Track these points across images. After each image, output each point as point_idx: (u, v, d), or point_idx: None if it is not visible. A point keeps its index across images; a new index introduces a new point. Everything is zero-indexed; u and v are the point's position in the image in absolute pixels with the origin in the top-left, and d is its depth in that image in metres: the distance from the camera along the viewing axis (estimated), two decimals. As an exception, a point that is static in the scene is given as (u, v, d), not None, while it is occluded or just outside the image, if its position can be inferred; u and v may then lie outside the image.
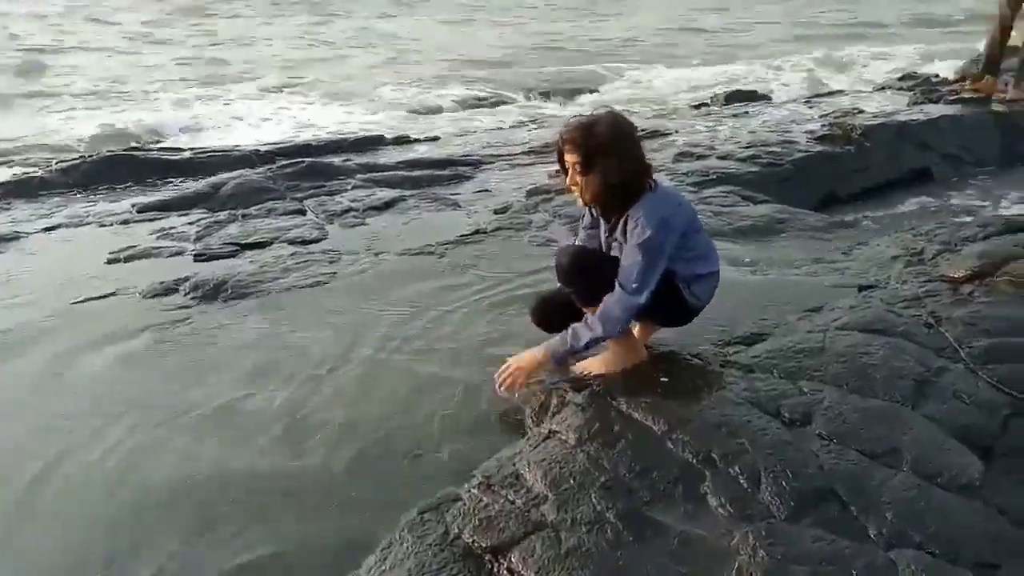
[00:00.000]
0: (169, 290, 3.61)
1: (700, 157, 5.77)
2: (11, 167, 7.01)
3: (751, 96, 9.28)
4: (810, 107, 7.92)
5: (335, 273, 3.75)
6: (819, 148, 5.90)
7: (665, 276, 2.39)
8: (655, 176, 2.45)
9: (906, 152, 6.12)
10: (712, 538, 1.75)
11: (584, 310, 2.46)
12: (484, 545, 1.76)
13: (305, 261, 3.91)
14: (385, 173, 5.70)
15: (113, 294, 3.62)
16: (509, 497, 1.92)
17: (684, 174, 5.31)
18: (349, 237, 4.33)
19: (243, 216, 4.74)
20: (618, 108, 2.41)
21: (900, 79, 10.13)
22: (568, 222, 4.34)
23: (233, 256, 4.07)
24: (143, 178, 5.79)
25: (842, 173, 5.75)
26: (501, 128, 8.51)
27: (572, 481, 1.94)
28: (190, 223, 4.65)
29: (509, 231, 4.29)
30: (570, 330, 2.43)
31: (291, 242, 4.25)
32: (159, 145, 7.91)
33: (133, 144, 7.96)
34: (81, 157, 6.25)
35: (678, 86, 12.52)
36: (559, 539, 1.74)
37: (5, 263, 4.13)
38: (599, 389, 2.38)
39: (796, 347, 2.57)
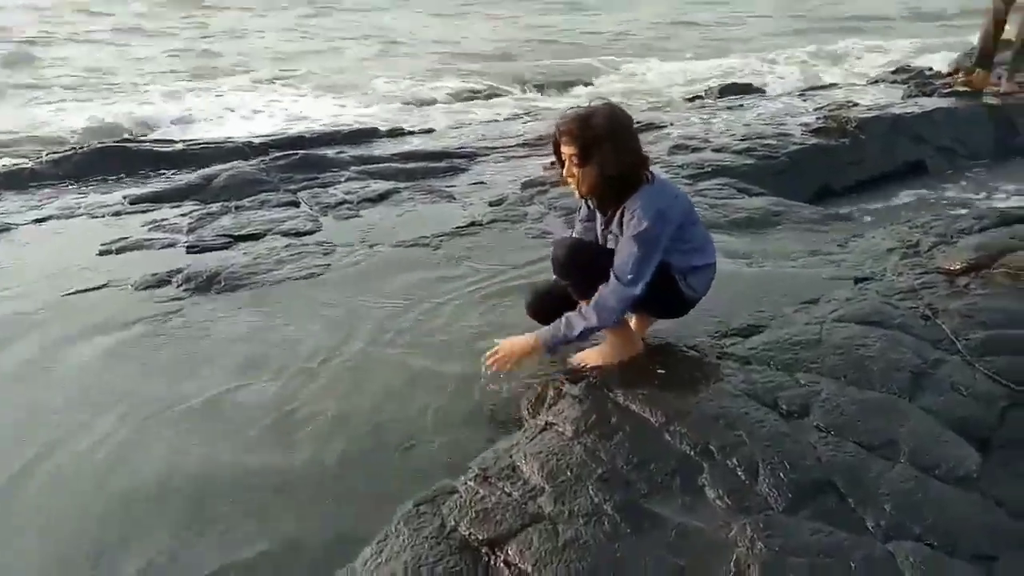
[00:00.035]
0: (162, 282, 3.58)
1: (695, 150, 5.76)
2: (0, 159, 6.94)
3: (745, 89, 9.27)
4: (804, 100, 7.91)
5: (329, 265, 3.72)
6: (814, 141, 5.90)
7: (661, 268, 2.37)
8: (652, 168, 2.44)
9: (900, 145, 6.12)
10: (710, 530, 1.74)
11: (580, 302, 2.44)
12: (481, 538, 1.75)
13: (299, 253, 3.89)
14: (379, 165, 5.67)
15: (105, 286, 3.59)
16: (506, 489, 1.90)
17: (679, 166, 5.29)
18: (343, 229, 4.30)
19: (236, 208, 4.70)
20: (613, 101, 2.39)
21: (894, 72, 10.14)
22: (563, 214, 4.32)
23: (226, 248, 4.04)
24: (135, 170, 5.74)
25: (837, 166, 5.75)
26: (496, 120, 8.47)
27: (569, 473, 1.93)
28: (182, 215, 4.61)
29: (505, 223, 4.27)
30: (564, 319, 2.41)
31: (285, 234, 4.22)
32: (151, 137, 7.85)
33: (125, 136, 7.89)
34: (72, 148, 6.19)
35: (672, 79, 12.48)
36: (556, 531, 1.73)
37: (-5, 255, 4.09)
38: (596, 381, 2.37)
39: (793, 339, 2.57)
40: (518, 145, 6.35)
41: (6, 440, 2.43)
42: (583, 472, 1.92)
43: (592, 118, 2.31)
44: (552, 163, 2.69)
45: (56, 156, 5.89)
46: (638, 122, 2.70)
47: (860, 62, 13.70)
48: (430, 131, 7.45)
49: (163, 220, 4.54)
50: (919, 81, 8.36)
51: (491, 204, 4.65)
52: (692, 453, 1.99)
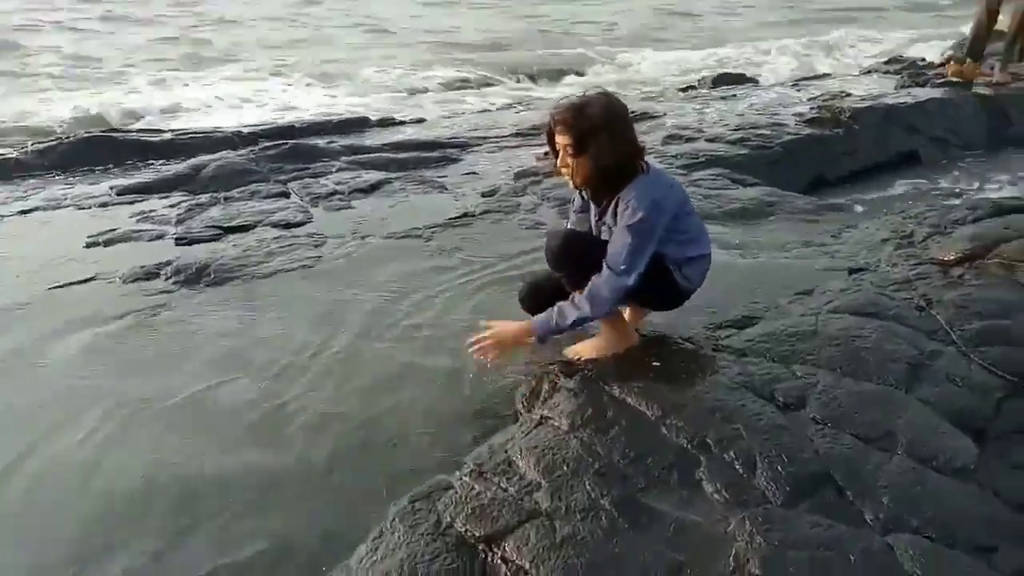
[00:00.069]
0: (150, 274, 3.53)
1: (689, 140, 5.73)
2: (-15, 148, 6.84)
3: (739, 79, 9.24)
4: (798, 90, 7.88)
5: (320, 257, 3.68)
6: (808, 131, 5.87)
7: (656, 259, 2.35)
8: (647, 158, 2.41)
9: (894, 135, 6.11)
10: (708, 524, 1.73)
11: (573, 292, 2.41)
12: (477, 534, 1.73)
13: (290, 245, 3.84)
14: (370, 155, 5.61)
15: (93, 279, 3.53)
16: (502, 485, 1.88)
17: (673, 156, 5.26)
18: (334, 220, 4.25)
19: (225, 199, 4.64)
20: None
21: (887, 62, 10.13)
22: (556, 205, 4.29)
23: (216, 240, 3.99)
24: (122, 160, 5.67)
25: (831, 156, 5.73)
26: (488, 110, 8.42)
27: (565, 468, 1.90)
28: (171, 206, 4.55)
29: (497, 214, 4.23)
30: (556, 308, 2.38)
31: (275, 225, 4.17)
32: (138, 126, 7.75)
33: (112, 125, 7.79)
34: (58, 138, 6.10)
35: (666, 69, 12.46)
36: (553, 527, 1.71)
37: (-20, 247, 4.03)
38: (591, 374, 2.34)
39: (789, 330, 2.55)
40: (510, 135, 6.30)
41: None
42: (579, 467, 1.90)
43: (587, 107, 2.27)
44: (545, 153, 2.66)
45: (42, 146, 5.80)
46: (632, 112, 2.68)
47: (853, 52, 13.70)
48: (422, 121, 7.39)
49: (151, 211, 4.47)
50: (912, 71, 8.35)
51: (484, 195, 4.61)
52: (689, 446, 1.97)
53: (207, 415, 2.43)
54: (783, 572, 1.57)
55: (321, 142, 5.93)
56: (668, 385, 2.26)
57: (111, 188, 4.95)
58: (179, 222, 4.26)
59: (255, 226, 4.17)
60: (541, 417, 2.16)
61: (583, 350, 2.53)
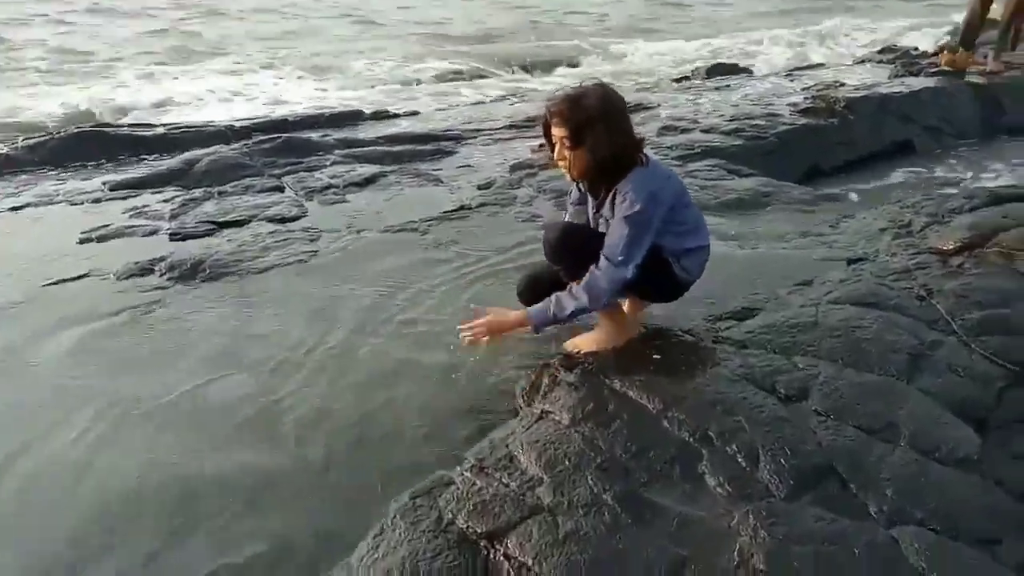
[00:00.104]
0: (144, 270, 3.49)
1: (684, 131, 5.71)
2: (-27, 145, 6.75)
3: (732, 69, 9.20)
4: (792, 80, 7.86)
5: (316, 252, 3.65)
6: (803, 121, 5.86)
7: (655, 250, 2.33)
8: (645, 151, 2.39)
9: (888, 124, 6.10)
10: (711, 519, 1.72)
11: (570, 283, 2.39)
12: (479, 531, 1.71)
13: (285, 239, 3.81)
14: (365, 148, 5.56)
15: (86, 275, 3.50)
16: (503, 480, 1.87)
17: (669, 147, 5.24)
18: (329, 214, 4.22)
19: (219, 193, 4.60)
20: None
21: (880, 52, 10.10)
22: (553, 197, 4.27)
23: (210, 235, 3.95)
24: (114, 155, 5.60)
25: (825, 146, 5.72)
26: (482, 102, 8.37)
27: (567, 463, 1.89)
28: (164, 201, 4.51)
29: (494, 207, 4.20)
30: (554, 298, 2.36)
31: (270, 220, 4.13)
32: (130, 121, 7.68)
33: (103, 120, 7.72)
34: (49, 134, 6.03)
35: (659, 60, 12.41)
36: (556, 523, 1.70)
37: (-30, 244, 3.98)
38: (592, 367, 2.33)
39: (789, 322, 2.55)
40: (505, 127, 6.26)
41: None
42: (581, 461, 1.89)
43: (583, 98, 2.25)
44: (541, 145, 2.63)
45: (32, 141, 5.72)
46: (627, 103, 2.66)
47: (846, 41, 13.68)
48: (416, 113, 7.34)
49: (144, 206, 4.43)
50: (905, 61, 8.33)
51: (479, 187, 4.58)
52: (691, 440, 1.96)
53: (203, 413, 2.40)
54: (787, 567, 1.56)
55: (315, 135, 5.88)
56: (669, 378, 2.24)
57: (103, 183, 4.89)
58: (173, 217, 4.22)
59: (250, 221, 4.13)
60: (542, 411, 2.15)
61: (582, 343, 2.51)
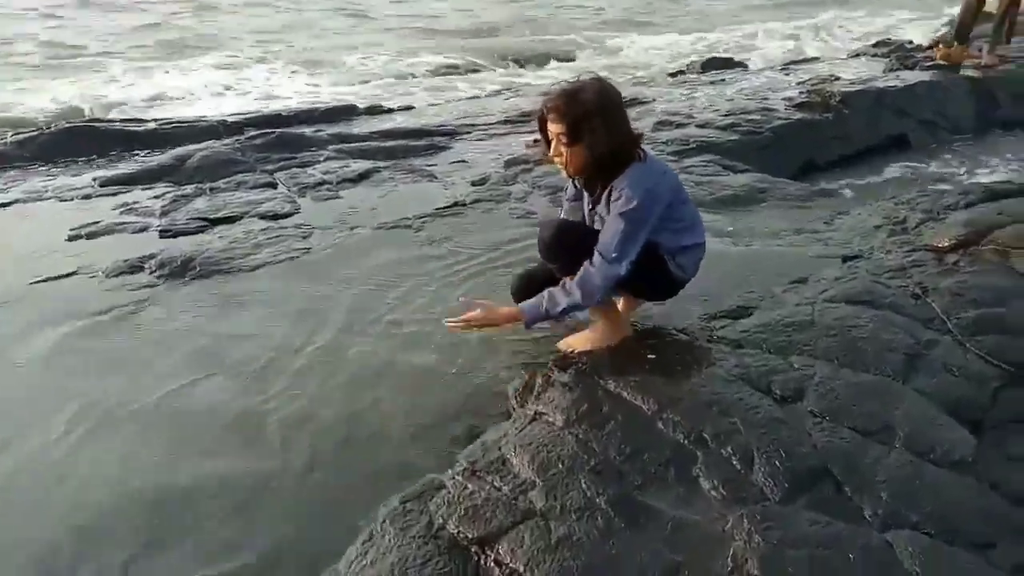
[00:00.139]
0: (134, 268, 3.46)
1: (679, 125, 5.68)
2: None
3: (727, 64, 9.18)
4: (787, 74, 7.84)
5: (308, 249, 3.62)
6: (798, 115, 5.84)
7: (650, 248, 2.31)
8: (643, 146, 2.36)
9: (884, 119, 6.09)
10: (706, 523, 1.70)
11: (564, 279, 2.36)
12: (470, 536, 1.69)
13: (277, 237, 3.77)
14: (359, 144, 5.53)
15: (75, 273, 3.46)
16: (495, 484, 1.84)
17: (664, 143, 5.22)
18: (322, 211, 4.18)
19: (211, 190, 4.56)
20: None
21: (874, 45, 10.09)
22: (548, 193, 4.24)
23: (201, 232, 3.91)
24: (105, 150, 5.55)
25: (821, 140, 5.70)
26: (477, 97, 8.33)
27: (560, 465, 1.87)
28: (155, 197, 4.46)
29: (488, 203, 4.17)
30: (547, 294, 2.33)
31: (262, 216, 4.09)
32: (120, 116, 7.61)
33: (94, 115, 7.65)
34: (38, 129, 5.97)
35: (654, 54, 12.37)
36: (549, 528, 1.67)
37: (-42, 241, 3.94)
38: (585, 368, 2.31)
39: (785, 320, 2.52)
40: (499, 122, 6.23)
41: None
42: (575, 464, 1.86)
43: (580, 93, 2.22)
44: (535, 140, 2.60)
45: (21, 137, 5.67)
46: (622, 97, 2.64)
47: (841, 33, 13.66)
48: (410, 108, 7.30)
49: (135, 203, 4.39)
50: (900, 54, 8.32)
51: (474, 184, 4.55)
52: (686, 442, 1.94)
53: (187, 414, 2.36)
54: (782, 572, 1.54)
55: (308, 131, 5.84)
56: (664, 378, 2.22)
57: (94, 179, 4.85)
58: (164, 214, 4.18)
59: (242, 217, 4.09)
60: (535, 413, 2.12)
61: (576, 342, 2.49)
